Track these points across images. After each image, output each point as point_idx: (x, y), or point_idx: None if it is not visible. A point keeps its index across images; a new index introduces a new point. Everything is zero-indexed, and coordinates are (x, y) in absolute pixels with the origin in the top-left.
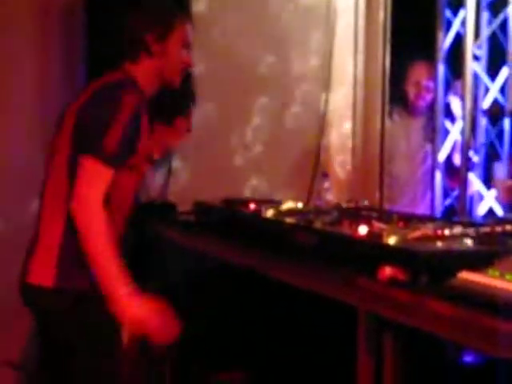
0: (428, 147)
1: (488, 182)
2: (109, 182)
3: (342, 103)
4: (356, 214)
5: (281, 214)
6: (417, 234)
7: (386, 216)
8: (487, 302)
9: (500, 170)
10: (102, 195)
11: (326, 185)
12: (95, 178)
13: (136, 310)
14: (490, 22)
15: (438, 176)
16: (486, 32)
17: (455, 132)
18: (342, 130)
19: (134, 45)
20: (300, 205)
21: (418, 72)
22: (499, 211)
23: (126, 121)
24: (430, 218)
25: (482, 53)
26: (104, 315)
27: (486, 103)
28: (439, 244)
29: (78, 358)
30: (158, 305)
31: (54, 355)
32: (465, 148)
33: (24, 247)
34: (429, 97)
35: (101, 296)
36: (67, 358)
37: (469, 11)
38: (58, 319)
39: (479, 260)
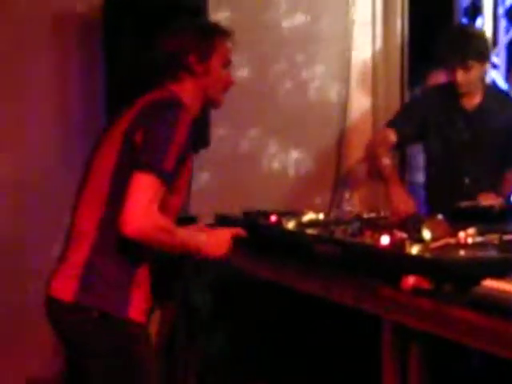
0: None
1: None
2: (161, 199)
3: (362, 108)
4: (377, 224)
5: (302, 225)
6: (439, 243)
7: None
8: None
9: None
10: (157, 209)
11: (347, 195)
12: (154, 195)
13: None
14: (507, 30)
15: None
16: (503, 40)
17: None
18: (362, 140)
19: (175, 65)
20: (321, 216)
21: (436, 81)
22: None
23: (183, 139)
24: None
25: (500, 60)
26: (121, 339)
27: None
28: (462, 252)
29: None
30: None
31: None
32: None
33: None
34: None
35: (118, 319)
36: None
37: (486, 19)
38: (76, 335)
39: (503, 267)
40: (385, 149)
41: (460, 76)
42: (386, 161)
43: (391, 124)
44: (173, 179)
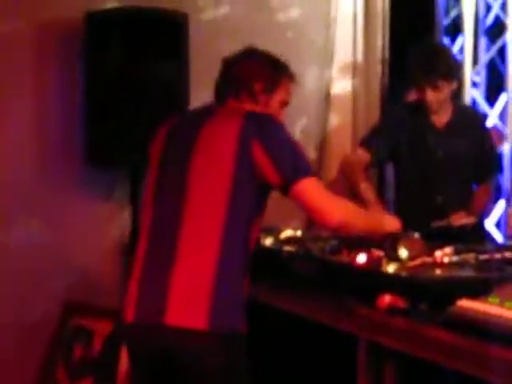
0: None
1: None
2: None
3: (342, 125)
4: (355, 242)
5: (280, 242)
6: (416, 261)
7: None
8: (487, 329)
9: None
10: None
11: None
12: (323, 189)
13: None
14: (488, 49)
15: None
16: (484, 58)
17: None
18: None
19: (240, 86)
20: (299, 233)
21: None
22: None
23: (294, 139)
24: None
25: (481, 79)
26: (239, 354)
27: None
28: (438, 271)
29: None
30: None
31: None
32: None
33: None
34: None
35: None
36: None
37: (467, 38)
38: (205, 362)
39: (479, 287)
40: (360, 170)
41: (430, 96)
42: (363, 184)
43: (364, 143)
44: None
